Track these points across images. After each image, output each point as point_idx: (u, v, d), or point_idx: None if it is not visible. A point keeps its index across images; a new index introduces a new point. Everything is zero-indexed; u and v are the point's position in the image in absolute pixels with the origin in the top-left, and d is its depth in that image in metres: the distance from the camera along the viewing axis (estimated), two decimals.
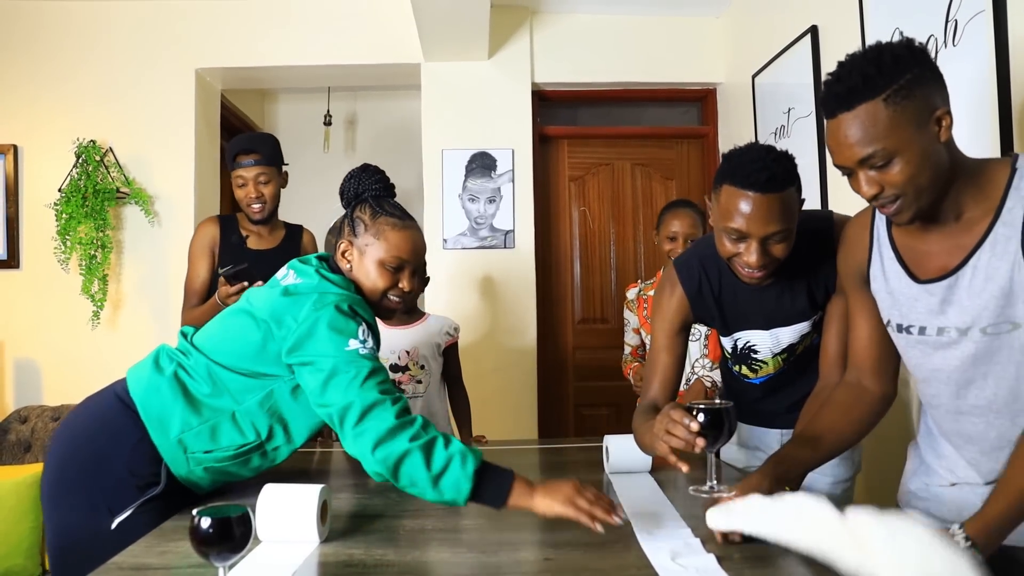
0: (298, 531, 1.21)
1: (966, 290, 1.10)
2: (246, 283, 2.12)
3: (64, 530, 1.36)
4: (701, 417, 1.20)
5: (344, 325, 1.34)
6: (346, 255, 1.51)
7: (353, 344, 1.32)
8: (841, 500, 1.66)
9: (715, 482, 1.22)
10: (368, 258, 1.48)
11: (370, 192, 1.53)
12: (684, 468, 1.22)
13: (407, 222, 1.51)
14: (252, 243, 2.36)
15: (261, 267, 2.25)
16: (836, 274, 1.40)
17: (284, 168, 2.37)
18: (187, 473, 1.41)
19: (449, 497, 1.23)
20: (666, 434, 1.22)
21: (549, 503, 1.20)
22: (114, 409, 1.40)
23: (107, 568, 1.13)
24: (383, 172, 1.57)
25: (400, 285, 1.50)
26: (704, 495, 1.18)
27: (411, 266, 1.51)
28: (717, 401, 1.24)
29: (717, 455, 1.28)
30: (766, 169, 1.29)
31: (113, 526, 1.31)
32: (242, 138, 2.40)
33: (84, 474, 1.36)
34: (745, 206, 1.31)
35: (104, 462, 1.36)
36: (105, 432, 1.38)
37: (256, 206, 2.29)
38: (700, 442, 1.17)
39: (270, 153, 2.31)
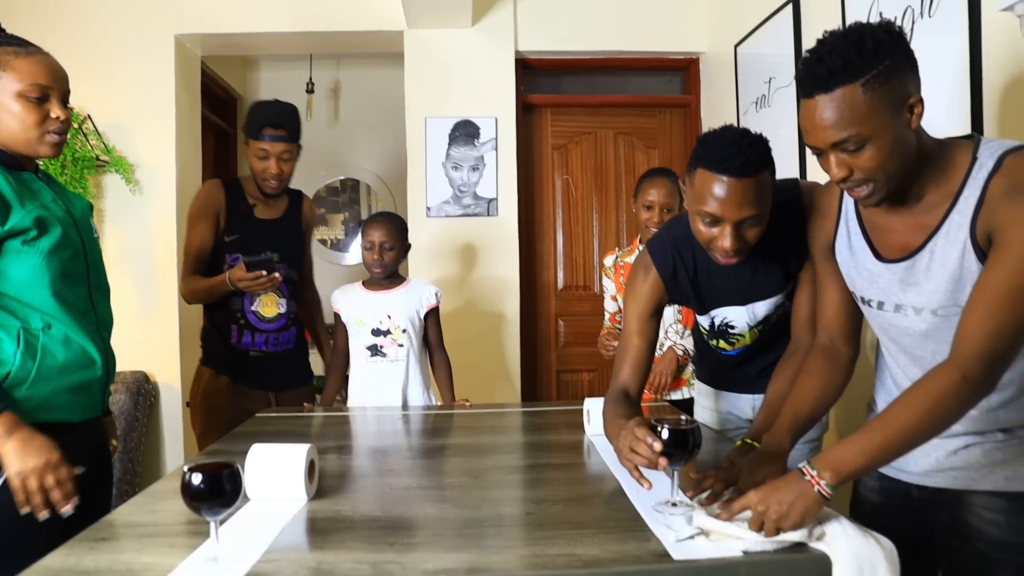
0: (286, 489, 1.25)
1: (923, 273, 1.15)
2: (263, 272, 2.12)
3: None
4: (665, 435, 1.17)
5: None
6: None
7: None
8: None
9: (678, 496, 1.18)
10: (4, 97, 1.36)
11: None
12: (647, 486, 1.21)
13: (32, 48, 1.41)
14: (259, 212, 2.36)
15: (268, 236, 2.30)
16: (808, 243, 1.41)
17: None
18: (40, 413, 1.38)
19: None
20: (630, 451, 1.22)
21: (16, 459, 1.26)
22: None
23: (99, 526, 1.16)
24: None
25: (52, 115, 1.40)
26: (664, 512, 1.15)
27: (56, 92, 1.41)
28: (682, 418, 1.20)
29: (678, 470, 1.21)
30: (740, 153, 1.29)
31: None
32: (271, 110, 2.32)
33: None
34: (719, 190, 1.32)
35: None
36: None
37: (274, 182, 2.29)
38: (663, 462, 1.15)
39: (296, 130, 2.30)
